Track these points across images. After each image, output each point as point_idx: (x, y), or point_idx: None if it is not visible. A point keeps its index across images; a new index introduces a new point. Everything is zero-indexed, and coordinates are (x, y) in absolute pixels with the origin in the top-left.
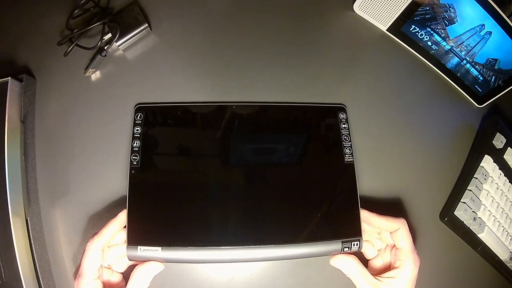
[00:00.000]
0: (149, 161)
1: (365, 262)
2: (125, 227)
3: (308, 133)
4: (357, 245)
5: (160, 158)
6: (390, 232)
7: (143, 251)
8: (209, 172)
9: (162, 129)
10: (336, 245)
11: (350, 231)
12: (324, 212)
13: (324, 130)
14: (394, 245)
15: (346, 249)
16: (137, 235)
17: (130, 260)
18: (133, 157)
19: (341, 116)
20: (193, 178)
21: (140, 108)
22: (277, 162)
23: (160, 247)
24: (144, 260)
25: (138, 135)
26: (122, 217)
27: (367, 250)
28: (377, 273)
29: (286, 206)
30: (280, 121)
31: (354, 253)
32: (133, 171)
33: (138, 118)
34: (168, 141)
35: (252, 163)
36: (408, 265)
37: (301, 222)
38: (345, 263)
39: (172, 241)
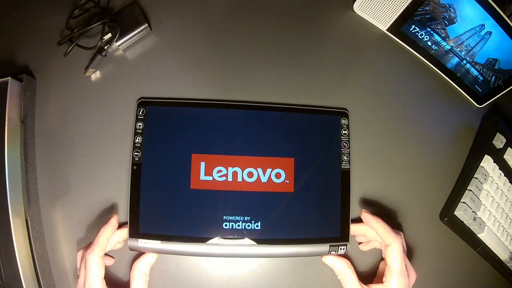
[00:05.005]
0: (150, 157)
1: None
2: (119, 227)
3: (308, 137)
4: (343, 249)
5: (161, 154)
6: (385, 246)
7: (144, 243)
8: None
9: (164, 124)
10: (324, 248)
11: (338, 235)
12: (316, 216)
13: (324, 135)
14: None
15: (333, 252)
16: (138, 228)
17: (131, 250)
18: (135, 153)
19: (343, 121)
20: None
21: (142, 103)
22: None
23: (160, 240)
24: (144, 252)
25: (140, 131)
26: (114, 222)
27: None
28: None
29: (280, 207)
30: (281, 123)
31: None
32: (134, 167)
33: (140, 113)
34: (170, 137)
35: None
36: (392, 286)
37: (293, 224)
38: (335, 264)
39: (171, 235)
